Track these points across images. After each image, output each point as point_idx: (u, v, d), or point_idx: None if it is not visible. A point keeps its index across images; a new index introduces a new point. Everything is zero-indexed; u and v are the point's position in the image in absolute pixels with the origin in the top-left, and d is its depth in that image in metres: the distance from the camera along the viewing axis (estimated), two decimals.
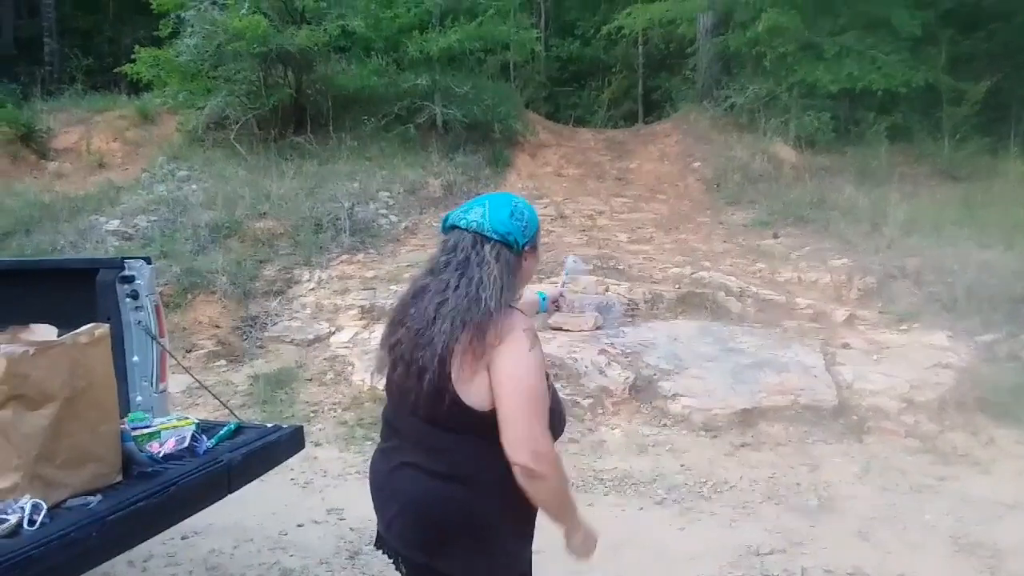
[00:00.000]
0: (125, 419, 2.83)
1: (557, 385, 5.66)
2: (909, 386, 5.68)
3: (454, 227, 1.89)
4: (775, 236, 9.09)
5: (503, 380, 1.73)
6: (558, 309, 2.68)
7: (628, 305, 6.98)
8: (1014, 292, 6.74)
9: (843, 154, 11.41)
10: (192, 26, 10.73)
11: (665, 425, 5.39)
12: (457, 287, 1.78)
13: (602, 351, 6.14)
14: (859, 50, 11.31)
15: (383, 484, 1.93)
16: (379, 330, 2.47)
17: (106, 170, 11.08)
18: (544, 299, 2.57)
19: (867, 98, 11.66)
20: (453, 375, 1.75)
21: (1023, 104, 11.65)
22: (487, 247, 1.81)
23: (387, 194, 9.92)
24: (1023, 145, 10.81)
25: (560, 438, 1.95)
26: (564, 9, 18.30)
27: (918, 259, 7.59)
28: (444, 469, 1.82)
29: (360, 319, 7.03)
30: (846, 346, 6.39)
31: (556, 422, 1.89)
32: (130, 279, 3.20)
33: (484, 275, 1.77)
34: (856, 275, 7.56)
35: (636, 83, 16.60)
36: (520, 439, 1.72)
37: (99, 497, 2.36)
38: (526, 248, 1.88)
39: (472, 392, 1.76)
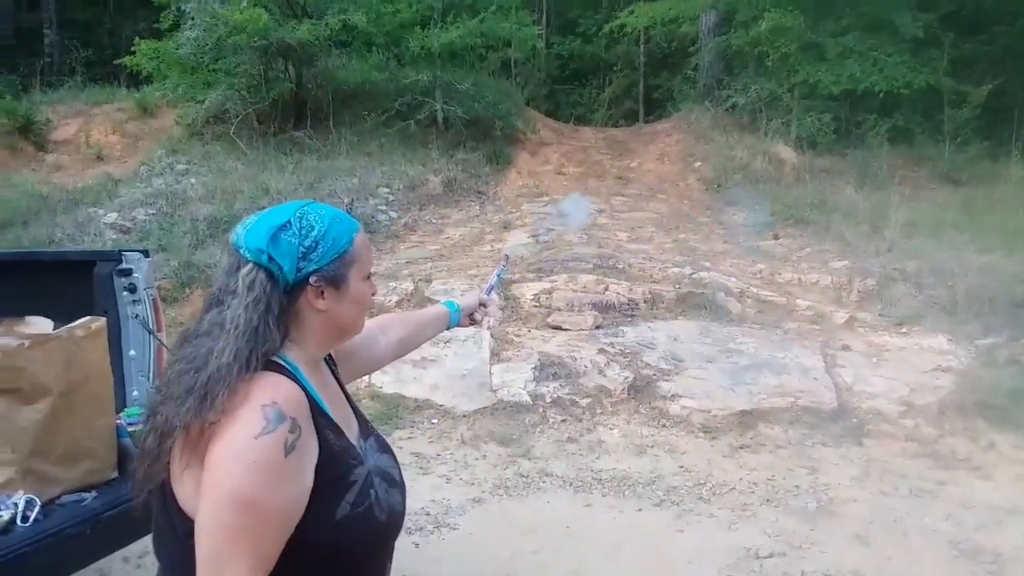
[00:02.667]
0: (121, 414, 2.80)
1: (555, 384, 5.71)
2: (909, 389, 5.68)
3: None
4: (775, 237, 9.08)
5: (205, 482, 1.14)
6: (474, 323, 2.03)
7: (627, 304, 6.96)
8: (1014, 296, 6.73)
9: (844, 156, 11.38)
10: (193, 19, 10.70)
11: (664, 426, 5.37)
12: (207, 332, 1.26)
13: (601, 350, 6.12)
14: (861, 51, 11.28)
15: None
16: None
17: (104, 163, 11.05)
18: (456, 311, 1.97)
19: (868, 100, 11.63)
20: (173, 464, 1.22)
21: None
22: (241, 272, 1.28)
23: (387, 190, 9.90)
24: None
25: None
26: (566, 7, 18.24)
27: (918, 262, 7.57)
28: None
29: None
30: (846, 348, 6.37)
31: (347, 555, 1.26)
32: (127, 272, 3.16)
33: (227, 315, 1.24)
34: (856, 277, 7.54)
35: (637, 82, 16.55)
36: None
37: (94, 493, 2.34)
38: (315, 280, 1.29)
39: (183, 491, 1.20)
